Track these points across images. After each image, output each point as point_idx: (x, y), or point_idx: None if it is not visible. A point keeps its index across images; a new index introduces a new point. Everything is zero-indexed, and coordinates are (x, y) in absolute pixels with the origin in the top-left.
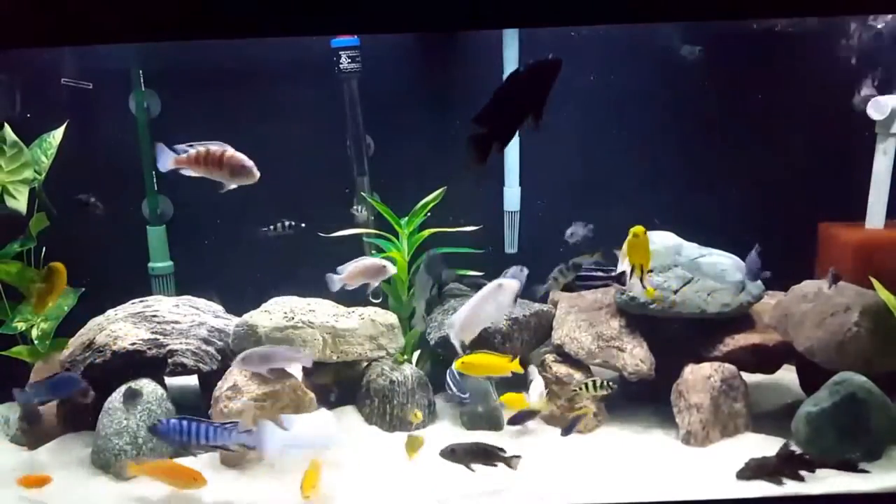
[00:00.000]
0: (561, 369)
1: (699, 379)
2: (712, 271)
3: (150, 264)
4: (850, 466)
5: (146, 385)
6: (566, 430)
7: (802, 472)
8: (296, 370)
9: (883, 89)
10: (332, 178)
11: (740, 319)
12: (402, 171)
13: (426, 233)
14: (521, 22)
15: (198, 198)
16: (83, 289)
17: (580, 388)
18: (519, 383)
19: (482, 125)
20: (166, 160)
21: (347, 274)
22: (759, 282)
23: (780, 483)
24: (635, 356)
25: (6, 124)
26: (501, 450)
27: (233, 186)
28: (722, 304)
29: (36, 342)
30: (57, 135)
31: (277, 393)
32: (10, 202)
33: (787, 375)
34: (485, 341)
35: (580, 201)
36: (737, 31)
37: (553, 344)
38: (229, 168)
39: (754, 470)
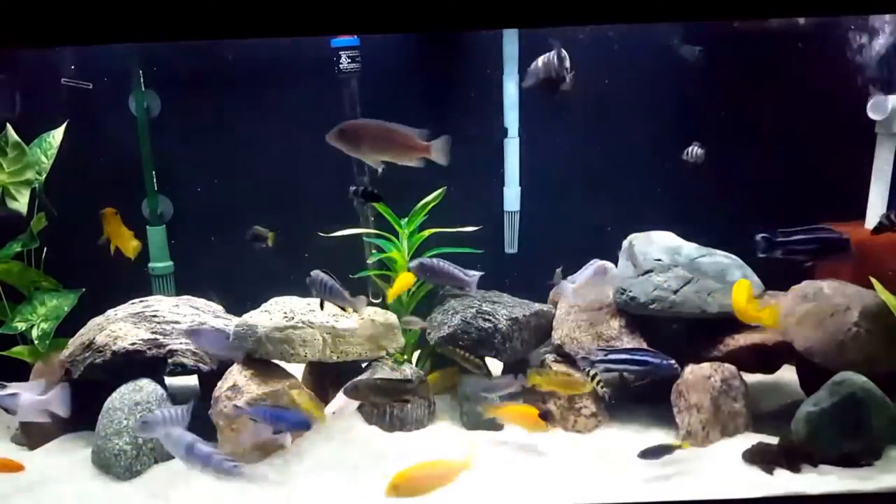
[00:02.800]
0: (561, 369)
1: (699, 379)
2: (712, 271)
3: (150, 264)
4: (852, 461)
5: (146, 385)
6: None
7: (802, 465)
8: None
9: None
10: (332, 178)
11: (740, 319)
12: (402, 171)
13: (426, 233)
14: (521, 22)
15: (198, 198)
16: (83, 289)
17: (586, 373)
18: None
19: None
20: None
21: (581, 283)
22: (759, 281)
23: (771, 473)
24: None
25: (8, 125)
26: (408, 381)
27: None
28: (722, 304)
29: (36, 342)
30: (57, 135)
31: (277, 393)
32: (10, 203)
33: (787, 375)
34: (485, 341)
35: (580, 201)
36: (736, 31)
37: (553, 344)
38: None
39: (755, 455)
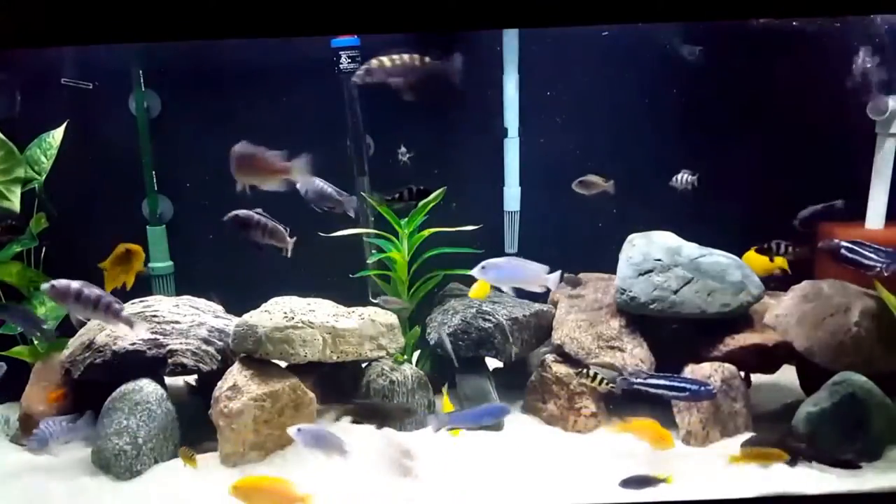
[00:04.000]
0: (561, 369)
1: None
2: (712, 271)
3: (150, 264)
4: (848, 464)
5: (146, 385)
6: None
7: (799, 461)
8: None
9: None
10: (332, 178)
11: (740, 319)
12: (402, 171)
13: (426, 232)
14: (521, 22)
15: (198, 198)
16: None
17: (585, 374)
18: (519, 385)
19: None
20: None
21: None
22: (759, 281)
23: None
24: (635, 356)
25: None
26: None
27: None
28: (722, 304)
29: (36, 342)
30: (56, 135)
31: (277, 393)
32: (1, 202)
33: (787, 375)
34: (485, 341)
35: (580, 201)
36: (737, 31)
37: (553, 344)
38: None
39: (753, 445)
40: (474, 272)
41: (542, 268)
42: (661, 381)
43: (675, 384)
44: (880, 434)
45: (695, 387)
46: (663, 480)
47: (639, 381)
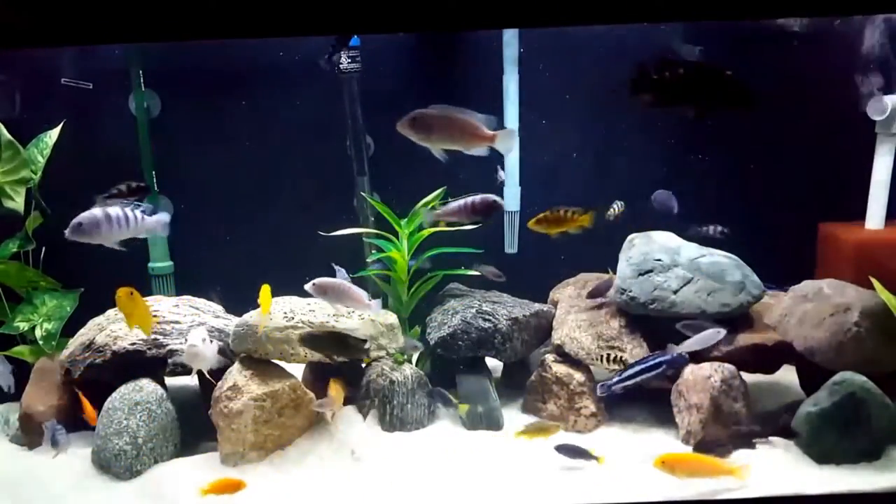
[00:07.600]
0: (561, 369)
1: (699, 379)
2: (712, 271)
3: (150, 264)
4: (787, 433)
5: (146, 385)
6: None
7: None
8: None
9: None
10: (333, 178)
11: (740, 319)
12: (401, 171)
13: (426, 232)
14: (521, 22)
15: (198, 198)
16: (82, 288)
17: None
18: (519, 385)
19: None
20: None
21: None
22: (759, 281)
23: (727, 454)
24: (635, 356)
25: (0, 124)
26: (363, 340)
27: None
28: (722, 304)
29: (41, 342)
30: (53, 135)
31: (277, 393)
32: (6, 202)
33: (787, 375)
34: (485, 341)
35: (580, 201)
36: (737, 31)
37: (553, 344)
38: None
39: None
40: (307, 286)
41: (366, 294)
42: (637, 369)
43: (650, 365)
44: (880, 434)
45: (668, 356)
46: (595, 458)
47: (616, 381)
